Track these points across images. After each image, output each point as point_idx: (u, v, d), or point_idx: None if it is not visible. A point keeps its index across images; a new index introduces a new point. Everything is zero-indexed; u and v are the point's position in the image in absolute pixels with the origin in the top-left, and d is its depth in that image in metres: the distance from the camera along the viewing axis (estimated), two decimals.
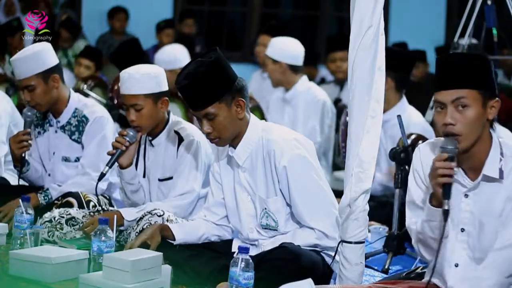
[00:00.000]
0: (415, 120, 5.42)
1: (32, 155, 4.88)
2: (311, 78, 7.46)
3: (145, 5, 10.78)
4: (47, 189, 4.75)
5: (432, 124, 6.18)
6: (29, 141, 4.71)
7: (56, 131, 4.85)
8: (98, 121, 4.78)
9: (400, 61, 5.39)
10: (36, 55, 4.67)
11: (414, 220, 3.26)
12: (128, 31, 10.53)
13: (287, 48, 6.53)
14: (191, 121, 5.63)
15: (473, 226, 3.19)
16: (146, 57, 6.93)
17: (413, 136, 4.88)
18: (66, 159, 4.83)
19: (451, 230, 3.21)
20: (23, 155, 4.72)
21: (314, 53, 8.94)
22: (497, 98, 3.16)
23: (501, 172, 3.14)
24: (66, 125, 4.82)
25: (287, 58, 6.47)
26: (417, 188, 3.30)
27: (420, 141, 4.93)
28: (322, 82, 8.82)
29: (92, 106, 4.87)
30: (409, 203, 3.34)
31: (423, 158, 3.28)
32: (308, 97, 6.45)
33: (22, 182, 5.11)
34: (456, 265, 3.23)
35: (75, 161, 4.80)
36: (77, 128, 4.80)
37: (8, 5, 10.59)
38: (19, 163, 4.74)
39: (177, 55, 7.00)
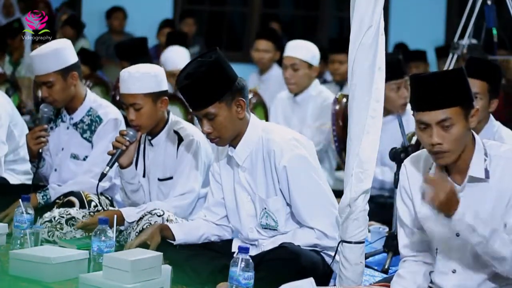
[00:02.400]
0: None
1: (46, 151, 4.88)
2: None
3: (145, 5, 10.78)
4: (47, 189, 4.75)
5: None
6: (46, 137, 4.73)
7: (68, 128, 4.86)
8: (111, 122, 4.79)
9: None
10: (57, 52, 4.69)
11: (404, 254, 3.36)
12: (128, 31, 10.54)
13: (315, 51, 6.44)
14: (191, 122, 5.63)
15: (468, 229, 3.20)
16: (148, 58, 6.94)
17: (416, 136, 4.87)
18: (74, 157, 4.83)
19: (446, 236, 3.23)
20: (40, 151, 4.73)
21: None
22: (476, 107, 3.16)
23: (486, 172, 3.16)
24: (79, 123, 4.83)
25: (317, 61, 6.42)
26: (404, 205, 3.35)
27: None
28: (323, 82, 8.81)
29: (107, 107, 4.88)
30: (398, 221, 3.40)
31: (410, 174, 3.33)
32: (318, 100, 6.39)
33: (22, 181, 5.12)
34: (454, 271, 3.24)
35: (84, 159, 4.81)
36: (89, 127, 4.81)
37: (7, 6, 10.59)
38: (36, 158, 4.75)
39: (178, 56, 6.98)
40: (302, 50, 6.36)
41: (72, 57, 4.77)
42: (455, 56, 6.49)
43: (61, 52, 4.71)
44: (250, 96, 6.55)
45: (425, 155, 3.30)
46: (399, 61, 5.40)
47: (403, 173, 3.35)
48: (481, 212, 3.15)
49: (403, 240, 3.37)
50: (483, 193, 3.18)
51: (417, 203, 3.29)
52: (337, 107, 5.71)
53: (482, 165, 3.17)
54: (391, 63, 5.04)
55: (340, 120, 5.68)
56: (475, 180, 3.17)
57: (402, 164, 3.38)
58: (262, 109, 6.74)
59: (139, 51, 7.00)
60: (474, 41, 6.82)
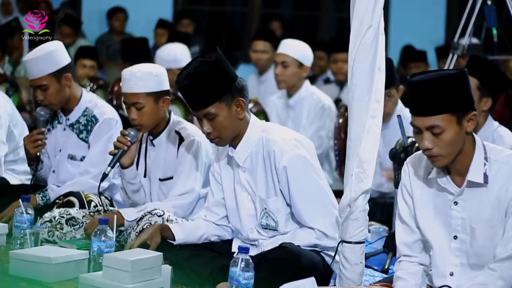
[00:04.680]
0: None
1: (44, 154, 4.88)
2: None
3: (145, 5, 10.78)
4: (46, 189, 4.75)
5: None
6: (44, 140, 4.73)
7: (64, 129, 4.86)
8: (107, 122, 4.79)
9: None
10: (49, 55, 4.68)
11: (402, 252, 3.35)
12: (128, 31, 10.54)
13: (308, 52, 6.42)
14: (191, 123, 5.62)
15: (465, 233, 3.20)
16: (150, 59, 6.94)
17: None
18: (71, 157, 4.83)
19: (443, 239, 3.23)
20: (37, 154, 4.73)
21: None
22: (474, 112, 3.13)
23: (485, 176, 3.15)
24: (75, 124, 4.83)
25: (309, 62, 6.41)
26: (404, 204, 3.35)
27: None
28: (327, 81, 8.82)
29: (102, 107, 4.87)
30: (397, 218, 3.39)
31: (411, 173, 3.32)
32: (312, 102, 6.38)
33: (22, 181, 5.12)
34: (451, 274, 3.24)
35: (81, 160, 4.81)
36: (86, 127, 4.81)
37: (5, 5, 10.58)
38: (34, 161, 4.75)
39: (177, 55, 6.93)
40: (294, 48, 6.40)
41: (64, 59, 4.75)
42: (455, 56, 6.49)
43: (53, 54, 4.70)
44: (250, 105, 6.55)
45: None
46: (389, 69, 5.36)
47: (405, 171, 3.35)
48: (479, 216, 3.15)
49: (402, 237, 3.36)
50: (482, 198, 3.17)
51: (417, 202, 3.29)
52: (341, 120, 5.68)
53: (482, 169, 3.15)
54: None
55: (342, 133, 5.66)
56: (474, 184, 3.17)
57: (405, 163, 3.38)
58: (263, 117, 6.73)
59: (141, 52, 7.00)
60: (474, 40, 6.82)
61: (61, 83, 4.72)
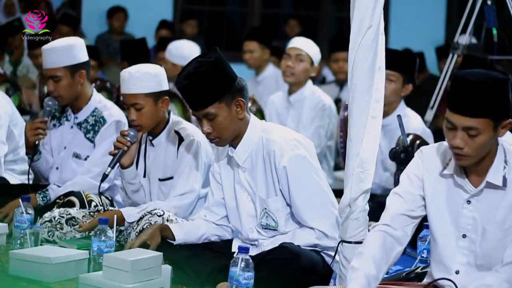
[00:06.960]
0: (415, 125, 5.32)
1: (45, 146, 4.89)
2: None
3: (145, 5, 10.78)
4: (46, 189, 4.75)
5: (431, 123, 6.17)
6: (45, 130, 4.74)
7: (72, 127, 4.87)
8: (114, 124, 4.80)
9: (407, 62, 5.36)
10: (69, 48, 4.71)
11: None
12: (128, 31, 10.54)
13: (318, 52, 6.42)
14: (189, 121, 5.61)
15: (476, 233, 3.18)
16: (148, 58, 6.94)
17: (410, 137, 4.88)
18: (76, 156, 4.84)
19: (451, 235, 3.22)
20: (36, 142, 4.73)
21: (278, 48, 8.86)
22: (509, 120, 3.10)
23: (504, 180, 3.13)
24: (83, 123, 4.84)
25: (318, 62, 6.43)
26: (408, 180, 3.26)
27: (417, 141, 4.92)
28: (322, 82, 8.80)
29: (111, 108, 4.88)
30: (392, 192, 3.31)
31: (426, 164, 3.25)
32: (313, 101, 6.38)
33: (22, 181, 5.12)
34: (457, 272, 3.22)
35: (85, 159, 4.81)
36: (93, 127, 4.81)
37: (8, 6, 10.58)
38: (32, 150, 4.75)
39: (190, 52, 6.93)
40: (309, 45, 6.41)
41: (82, 56, 4.78)
42: (455, 56, 6.50)
43: (72, 48, 4.73)
44: (249, 104, 6.53)
45: (443, 149, 3.24)
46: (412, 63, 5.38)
47: (419, 158, 3.27)
48: (492, 218, 3.14)
49: (390, 208, 3.28)
50: (498, 201, 3.14)
51: (428, 197, 3.24)
52: (346, 113, 5.64)
53: (501, 172, 3.13)
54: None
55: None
56: (492, 186, 3.14)
57: (419, 150, 3.31)
58: (260, 116, 6.73)
59: (140, 52, 7.00)
60: (474, 40, 6.83)
61: (75, 78, 4.73)
